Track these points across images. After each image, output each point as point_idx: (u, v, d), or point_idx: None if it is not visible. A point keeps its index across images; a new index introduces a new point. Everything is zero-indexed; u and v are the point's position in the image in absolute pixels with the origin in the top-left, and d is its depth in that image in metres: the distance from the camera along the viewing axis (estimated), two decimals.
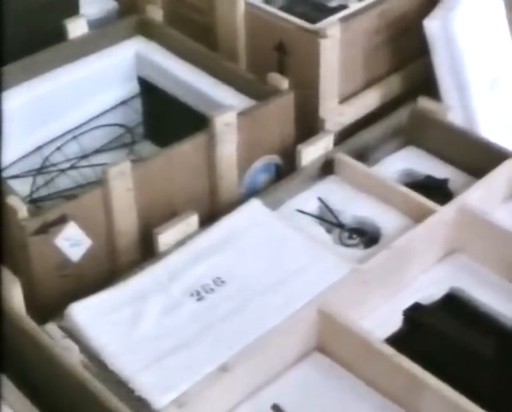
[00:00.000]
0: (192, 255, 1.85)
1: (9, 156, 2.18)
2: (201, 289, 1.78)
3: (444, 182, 2.15)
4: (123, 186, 1.85)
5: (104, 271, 1.89)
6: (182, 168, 1.95)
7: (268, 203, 2.00)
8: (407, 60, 2.32)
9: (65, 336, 1.68)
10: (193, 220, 1.90)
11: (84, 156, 2.21)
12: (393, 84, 2.35)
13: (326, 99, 2.19)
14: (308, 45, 2.13)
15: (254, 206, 1.96)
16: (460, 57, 2.17)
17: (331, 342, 1.74)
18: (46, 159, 2.17)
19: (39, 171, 2.14)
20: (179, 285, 1.79)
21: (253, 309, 1.74)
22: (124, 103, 2.35)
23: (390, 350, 1.67)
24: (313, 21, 2.19)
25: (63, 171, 2.16)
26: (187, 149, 1.96)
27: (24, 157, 2.20)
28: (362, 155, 2.17)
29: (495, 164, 2.07)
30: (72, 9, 2.42)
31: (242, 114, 2.02)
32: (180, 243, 1.87)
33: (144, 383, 1.60)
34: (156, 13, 2.37)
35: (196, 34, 2.35)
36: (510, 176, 2.07)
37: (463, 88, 2.20)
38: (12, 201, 1.78)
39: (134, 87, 2.37)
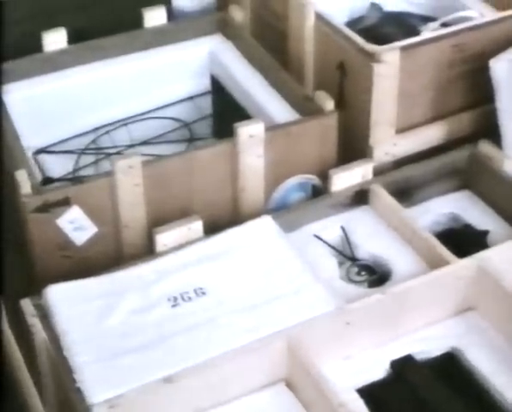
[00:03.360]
0: (184, 260, 1.83)
1: (67, 132, 2.26)
2: (179, 296, 1.76)
3: (483, 234, 2.01)
4: (131, 181, 1.86)
5: (109, 259, 1.90)
6: (202, 173, 1.94)
7: (287, 224, 1.96)
8: (482, 100, 2.16)
9: (36, 313, 1.73)
10: (197, 225, 1.88)
11: (131, 145, 2.23)
12: (463, 123, 2.19)
13: (379, 126, 2.08)
14: (364, 69, 2.03)
15: (264, 223, 1.91)
16: None
17: (296, 377, 1.67)
18: (93, 141, 2.22)
19: (82, 151, 2.19)
20: (160, 288, 1.78)
21: (222, 326, 1.70)
22: (191, 98, 2.36)
23: (346, 397, 1.59)
24: None
25: (109, 155, 2.19)
26: (209, 155, 1.94)
27: (83, 135, 2.27)
28: (406, 191, 2.06)
29: None
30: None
31: (273, 129, 1.97)
32: (179, 246, 1.87)
33: (87, 376, 1.60)
34: (237, 13, 2.36)
35: (274, 39, 2.33)
36: None
37: None
38: (19, 176, 1.84)
39: (206, 85, 2.38)
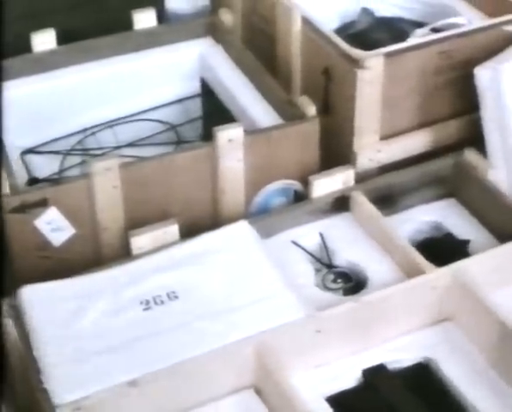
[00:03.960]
0: (158, 264, 1.84)
1: (56, 132, 2.27)
2: (152, 300, 1.77)
3: (464, 243, 1.99)
4: (109, 183, 1.87)
5: (87, 261, 1.91)
6: (181, 176, 1.94)
7: (266, 229, 1.95)
8: (470, 108, 2.12)
9: (9, 313, 1.73)
10: (173, 229, 1.88)
11: (118, 147, 2.24)
12: (450, 131, 2.17)
13: (363, 133, 2.07)
14: (348, 74, 2.02)
15: (240, 228, 1.91)
16: (509, 115, 1.97)
17: (264, 384, 1.67)
18: (79, 142, 2.22)
19: (67, 152, 2.20)
20: (133, 290, 1.78)
21: (192, 331, 1.70)
22: (181, 101, 2.36)
23: (314, 406, 1.59)
24: None
25: (94, 156, 2.20)
26: (188, 159, 1.94)
27: (71, 135, 2.28)
28: (389, 199, 2.05)
29: None
30: (156, 1, 2.46)
31: (252, 133, 1.97)
32: (155, 249, 1.87)
33: (55, 377, 1.61)
34: (227, 17, 2.36)
35: (263, 43, 2.33)
36: None
37: (509, 151, 2.00)
38: None
39: (196, 87, 2.38)
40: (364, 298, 1.76)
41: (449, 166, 2.10)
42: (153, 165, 1.92)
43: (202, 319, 1.72)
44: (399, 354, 1.77)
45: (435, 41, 2.11)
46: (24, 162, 2.21)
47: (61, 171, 2.18)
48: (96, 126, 2.29)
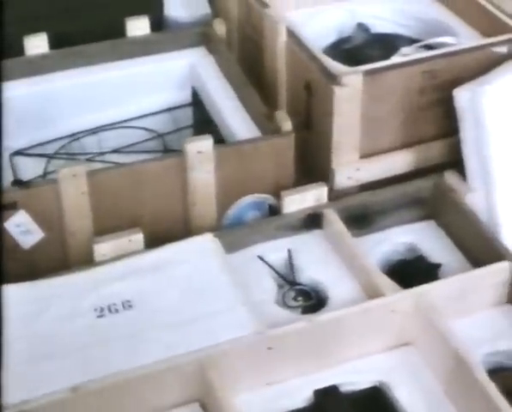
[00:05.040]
0: (118, 272, 1.84)
1: (47, 135, 2.30)
2: (106, 308, 1.78)
3: (435, 267, 1.96)
4: (76, 189, 1.88)
5: (56, 265, 1.92)
6: (151, 186, 1.94)
7: (234, 242, 1.95)
8: (454, 129, 2.07)
9: None
10: (137, 238, 1.88)
11: (102, 153, 2.25)
12: (433, 152, 2.13)
13: (342, 150, 2.05)
14: (326, 90, 2.00)
15: (204, 241, 1.90)
16: (487, 138, 1.93)
17: (208, 399, 1.66)
18: (63, 146, 2.25)
19: (52, 156, 2.22)
20: (90, 297, 1.80)
21: (141, 341, 1.71)
22: (170, 110, 2.37)
23: None
24: None
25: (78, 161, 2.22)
26: (157, 169, 1.94)
27: (60, 139, 2.30)
28: (365, 218, 2.03)
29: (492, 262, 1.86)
30: (154, 8, 2.48)
31: (223, 146, 1.96)
32: (117, 257, 1.88)
33: (4, 378, 1.63)
34: (220, 27, 2.35)
35: (254, 54, 2.32)
36: (495, 282, 1.84)
37: (487, 174, 1.96)
38: None
39: (187, 96, 2.38)
40: (318, 318, 1.74)
41: (429, 187, 2.07)
42: (122, 173, 1.93)
43: (152, 330, 1.72)
44: (354, 376, 1.74)
45: (419, 60, 2.07)
46: (12, 164, 2.23)
47: (45, 174, 2.20)
48: (84, 131, 2.30)
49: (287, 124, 2.00)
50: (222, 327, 1.72)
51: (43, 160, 2.26)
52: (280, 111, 2.04)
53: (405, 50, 2.17)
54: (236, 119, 2.13)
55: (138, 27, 2.33)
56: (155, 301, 1.79)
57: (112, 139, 2.31)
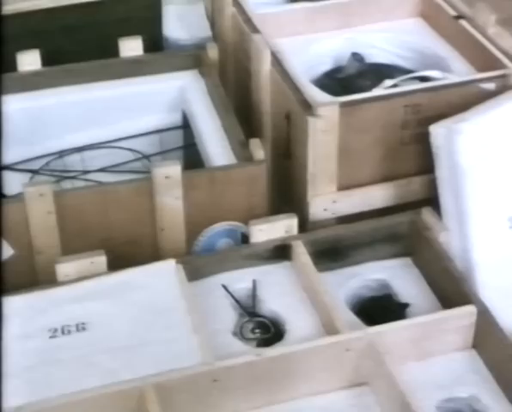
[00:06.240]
0: (77, 293, 1.84)
1: (35, 152, 2.32)
2: (60, 329, 1.77)
3: (403, 306, 1.91)
4: (43, 208, 1.89)
5: (24, 283, 1.92)
6: (119, 209, 1.94)
7: (198, 270, 1.93)
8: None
9: None
10: (100, 260, 1.88)
11: (87, 171, 2.26)
12: (414, 187, 2.09)
13: (318, 181, 2.02)
14: (302, 121, 1.98)
15: (165, 267, 1.89)
16: (461, 177, 1.88)
17: None
18: (47, 163, 2.26)
19: (36, 172, 2.24)
20: (46, 317, 1.80)
21: (87, 365, 1.70)
22: (159, 132, 2.37)
23: None
24: None
25: (62, 178, 2.23)
26: (125, 191, 1.94)
27: (48, 156, 2.32)
28: (337, 252, 1.99)
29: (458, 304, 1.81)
30: (154, 29, 2.48)
31: (192, 172, 1.95)
32: (79, 278, 1.87)
33: None
34: (212, 51, 2.35)
35: (245, 80, 2.31)
36: (459, 326, 1.79)
37: (462, 214, 1.91)
38: None
39: (177, 119, 2.38)
40: (267, 352, 1.71)
41: (406, 223, 2.02)
42: (89, 194, 1.93)
43: (100, 354, 1.71)
44: None
45: (400, 94, 2.04)
46: None
47: None
48: (72, 149, 2.32)
49: (259, 153, 1.98)
50: (170, 355, 1.70)
51: (28, 176, 2.28)
52: (254, 139, 2.02)
53: (388, 82, 2.13)
54: (216, 145, 2.12)
55: (131, 47, 2.34)
56: (108, 325, 1.78)
57: (100, 158, 2.32)
